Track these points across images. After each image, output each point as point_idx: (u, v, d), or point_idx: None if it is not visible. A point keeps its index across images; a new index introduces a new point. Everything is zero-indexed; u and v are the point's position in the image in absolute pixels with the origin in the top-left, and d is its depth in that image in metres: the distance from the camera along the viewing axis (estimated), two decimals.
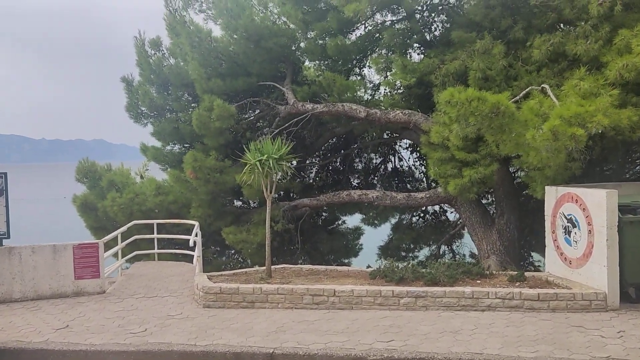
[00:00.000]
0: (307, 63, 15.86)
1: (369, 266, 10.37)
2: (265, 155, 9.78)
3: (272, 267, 10.22)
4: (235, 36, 13.94)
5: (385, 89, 14.70)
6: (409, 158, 18.47)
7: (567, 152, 8.47)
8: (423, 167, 17.91)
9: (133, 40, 14.59)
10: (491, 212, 13.23)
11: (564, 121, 8.10)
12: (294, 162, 10.58)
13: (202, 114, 13.17)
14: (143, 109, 15.00)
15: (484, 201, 13.92)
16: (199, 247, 11.16)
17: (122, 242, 11.56)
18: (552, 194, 9.06)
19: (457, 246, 15.84)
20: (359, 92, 13.92)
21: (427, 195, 12.66)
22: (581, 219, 8.27)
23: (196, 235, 11.23)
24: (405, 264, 9.99)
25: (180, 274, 11.30)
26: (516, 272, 9.29)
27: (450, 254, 15.97)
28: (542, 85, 9.89)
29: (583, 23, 10.15)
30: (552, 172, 9.24)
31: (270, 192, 10.14)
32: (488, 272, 9.51)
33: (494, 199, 13.76)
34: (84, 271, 9.48)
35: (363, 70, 15.35)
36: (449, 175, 11.32)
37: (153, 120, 15.29)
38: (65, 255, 9.36)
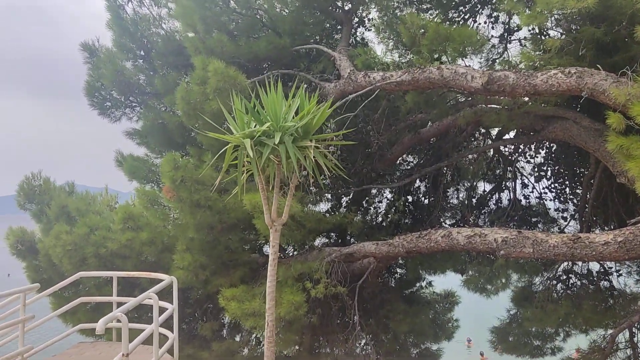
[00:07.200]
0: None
1: None
2: (267, 125, 4.22)
3: None
4: None
5: (526, 38, 8.74)
6: (533, 187, 12.28)
7: None
8: (563, 198, 11.64)
9: None
10: None
11: None
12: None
13: (193, 89, 7.95)
14: (112, 91, 9.88)
15: None
16: (149, 331, 5.43)
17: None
18: None
19: None
20: (471, 49, 8.06)
21: (620, 240, 6.44)
22: None
23: (165, 300, 5.66)
24: None
25: None
26: None
27: (630, 349, 9.29)
28: None
29: None
30: None
31: (282, 215, 4.51)
32: None
33: None
34: None
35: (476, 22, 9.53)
36: None
37: (135, 111, 10.17)
38: None
